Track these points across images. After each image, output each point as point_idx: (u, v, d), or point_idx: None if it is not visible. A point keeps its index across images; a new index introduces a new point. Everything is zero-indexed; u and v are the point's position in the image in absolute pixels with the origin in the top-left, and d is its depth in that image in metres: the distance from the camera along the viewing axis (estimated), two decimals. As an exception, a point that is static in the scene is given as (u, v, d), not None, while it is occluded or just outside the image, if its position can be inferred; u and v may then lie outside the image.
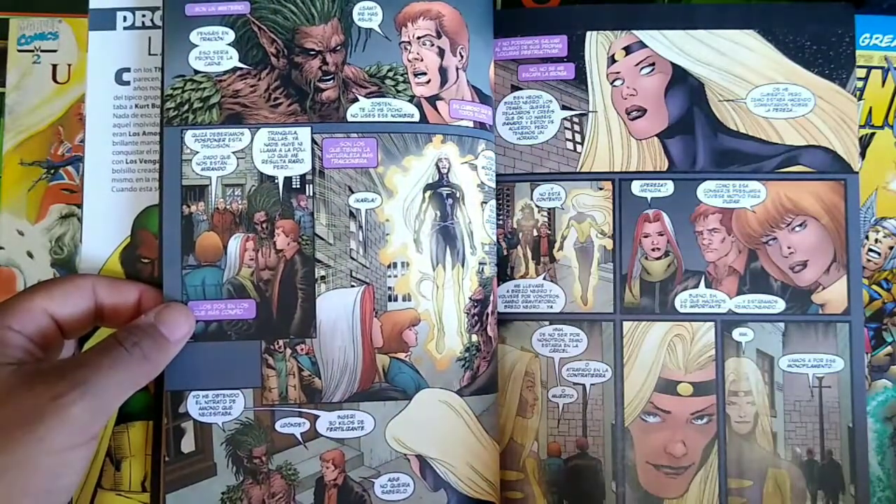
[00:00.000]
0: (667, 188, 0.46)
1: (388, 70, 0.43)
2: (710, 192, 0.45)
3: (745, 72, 0.46)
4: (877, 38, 0.46)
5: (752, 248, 0.45)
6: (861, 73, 0.46)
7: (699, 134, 0.46)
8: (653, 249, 0.45)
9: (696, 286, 0.45)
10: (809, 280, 0.45)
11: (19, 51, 0.47)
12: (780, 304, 0.45)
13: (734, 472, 0.44)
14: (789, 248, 0.45)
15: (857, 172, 0.45)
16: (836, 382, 0.44)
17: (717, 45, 0.46)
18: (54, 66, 0.47)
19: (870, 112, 0.47)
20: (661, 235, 0.45)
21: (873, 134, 0.46)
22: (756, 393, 0.44)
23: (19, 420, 0.32)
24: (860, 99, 0.46)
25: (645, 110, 0.46)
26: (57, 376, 0.33)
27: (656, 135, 0.46)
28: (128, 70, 0.45)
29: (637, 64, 0.46)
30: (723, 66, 0.46)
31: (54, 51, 0.47)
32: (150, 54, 0.46)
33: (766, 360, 0.45)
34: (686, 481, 0.44)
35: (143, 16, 0.46)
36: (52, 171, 0.47)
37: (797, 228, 0.45)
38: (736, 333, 0.45)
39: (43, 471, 0.32)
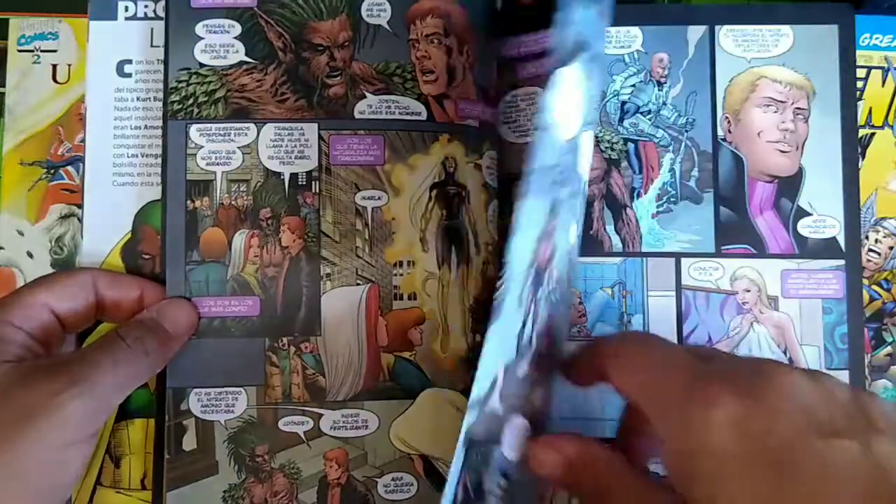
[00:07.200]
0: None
1: (396, 67, 0.43)
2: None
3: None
4: (877, 38, 0.47)
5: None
6: (861, 73, 0.47)
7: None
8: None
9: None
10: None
11: (19, 51, 0.47)
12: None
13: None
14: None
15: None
16: (837, 381, 0.44)
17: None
18: (54, 66, 0.47)
19: (870, 112, 0.47)
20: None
21: (873, 134, 0.47)
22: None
23: (16, 417, 0.31)
24: (860, 99, 0.47)
25: (647, 110, 0.46)
26: (55, 373, 0.33)
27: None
28: (129, 62, 0.45)
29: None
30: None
31: (54, 51, 0.47)
32: (152, 46, 0.45)
33: (770, 359, 0.45)
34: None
35: (146, 6, 0.45)
36: (52, 171, 0.46)
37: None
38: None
39: (40, 467, 0.32)
